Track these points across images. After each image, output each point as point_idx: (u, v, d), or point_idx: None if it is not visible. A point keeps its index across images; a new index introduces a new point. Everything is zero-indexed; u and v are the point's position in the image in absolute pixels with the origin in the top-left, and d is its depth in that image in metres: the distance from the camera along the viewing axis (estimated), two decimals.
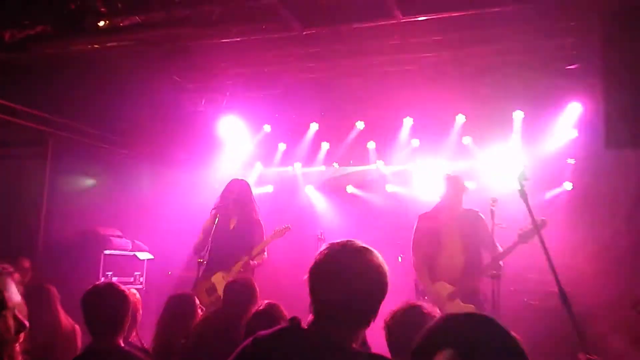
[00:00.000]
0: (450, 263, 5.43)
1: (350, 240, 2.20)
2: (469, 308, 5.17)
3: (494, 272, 5.01)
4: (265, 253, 6.11)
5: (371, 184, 9.72)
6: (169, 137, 8.88)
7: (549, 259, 3.01)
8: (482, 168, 8.44)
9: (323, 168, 9.80)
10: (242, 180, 6.38)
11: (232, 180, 6.32)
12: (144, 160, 9.01)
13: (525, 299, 7.21)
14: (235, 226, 6.08)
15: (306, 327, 2.12)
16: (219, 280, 5.76)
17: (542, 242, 3.12)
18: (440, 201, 5.67)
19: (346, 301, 2.07)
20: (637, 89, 4.52)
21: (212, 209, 6.10)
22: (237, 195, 6.12)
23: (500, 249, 5.23)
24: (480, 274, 5.32)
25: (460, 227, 5.50)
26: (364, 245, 2.20)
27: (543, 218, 4.94)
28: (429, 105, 8.15)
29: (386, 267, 2.19)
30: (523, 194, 3.27)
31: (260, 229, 6.12)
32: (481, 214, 5.57)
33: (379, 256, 2.20)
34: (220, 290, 5.54)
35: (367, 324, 2.15)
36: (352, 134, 9.09)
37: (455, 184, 5.61)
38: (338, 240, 2.21)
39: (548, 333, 6.20)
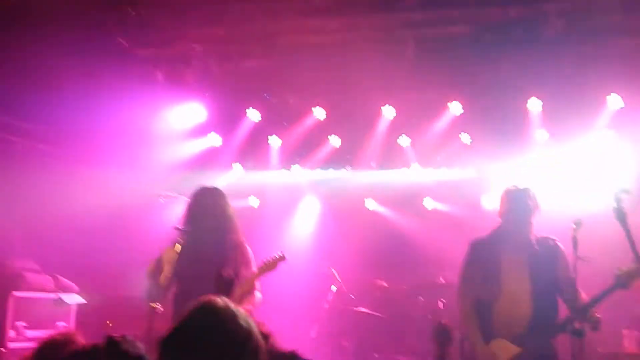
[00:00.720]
0: (512, 312, 5.38)
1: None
2: None
3: (577, 327, 4.99)
4: (259, 292, 6.08)
5: (402, 198, 9.80)
6: (108, 126, 8.89)
7: None
8: (562, 176, 8.49)
9: (332, 172, 9.89)
10: (214, 188, 6.33)
11: (200, 190, 6.25)
12: (72, 159, 9.02)
13: None
14: (208, 255, 5.98)
15: None
16: None
17: None
18: (502, 224, 5.66)
19: None
20: None
21: (174, 230, 6.07)
22: (209, 211, 6.13)
23: (583, 296, 5.19)
24: (556, 330, 5.29)
25: (529, 261, 5.47)
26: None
27: None
28: (486, 84, 8.23)
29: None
30: (621, 215, 3.21)
31: (247, 255, 6.11)
32: (560, 244, 5.53)
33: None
34: None
35: None
36: (379, 126, 9.14)
37: (522, 200, 5.55)
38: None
39: None
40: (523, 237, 5.54)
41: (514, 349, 5.29)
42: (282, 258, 6.03)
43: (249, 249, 6.14)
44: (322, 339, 8.62)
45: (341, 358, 8.62)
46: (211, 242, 5.98)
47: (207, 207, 6.07)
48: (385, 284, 9.28)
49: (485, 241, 5.72)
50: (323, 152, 9.71)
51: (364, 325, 8.87)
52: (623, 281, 4.95)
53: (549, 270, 5.42)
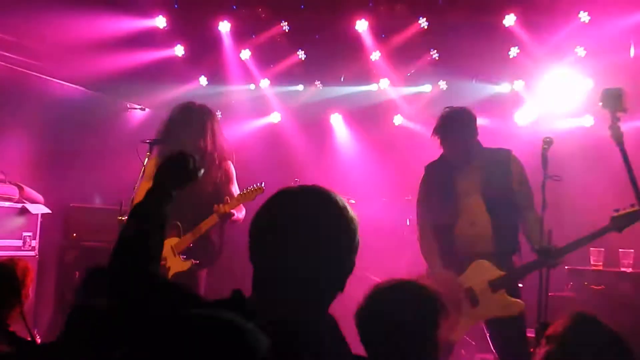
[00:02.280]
0: (473, 233, 5.30)
1: (308, 186, 2.34)
2: (519, 305, 5.14)
3: (544, 245, 4.81)
4: (243, 211, 6.06)
5: (370, 113, 9.80)
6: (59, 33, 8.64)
7: None
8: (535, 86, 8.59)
9: (300, 88, 9.82)
10: (199, 105, 6.26)
11: (183, 106, 6.21)
12: (24, 66, 8.86)
13: (586, 283, 7.41)
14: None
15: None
16: (169, 248, 5.79)
17: None
18: (449, 145, 5.46)
19: (295, 262, 2.19)
20: None
21: (150, 144, 5.93)
22: (193, 126, 6.04)
23: (537, 216, 5.06)
24: (528, 271, 5.17)
25: (482, 180, 5.37)
26: (322, 189, 2.32)
27: None
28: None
29: (351, 215, 2.30)
30: (618, 136, 2.98)
31: (229, 173, 6.17)
32: (513, 155, 5.46)
33: (340, 200, 2.31)
34: (170, 262, 5.73)
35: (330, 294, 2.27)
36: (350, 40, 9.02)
37: (459, 123, 5.39)
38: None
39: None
40: (471, 157, 5.41)
41: (497, 272, 5.16)
42: (261, 190, 5.91)
43: (232, 166, 6.17)
44: None
45: None
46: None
47: (190, 123, 6.04)
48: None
49: (439, 164, 5.61)
50: (291, 66, 9.60)
51: None
52: (619, 224, 4.87)
53: (504, 187, 5.30)
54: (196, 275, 5.88)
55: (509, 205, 5.30)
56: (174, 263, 5.76)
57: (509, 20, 8.33)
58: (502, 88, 9.17)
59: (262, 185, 5.89)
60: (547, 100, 8.76)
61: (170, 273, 5.72)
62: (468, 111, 5.44)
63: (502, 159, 5.42)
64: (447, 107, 5.51)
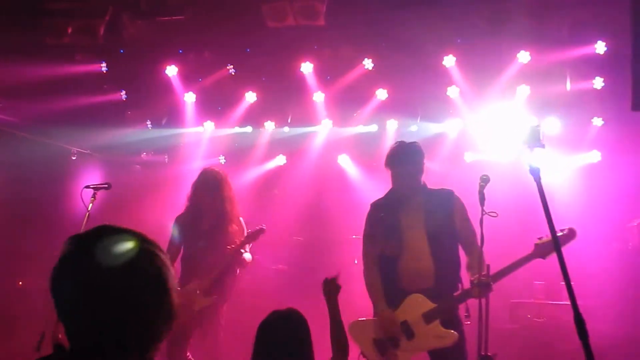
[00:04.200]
0: (416, 268, 5.48)
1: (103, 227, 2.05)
2: (452, 336, 5.26)
3: (484, 281, 4.95)
4: (248, 254, 6.93)
5: (314, 153, 9.99)
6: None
7: (567, 283, 2.79)
8: (471, 129, 8.79)
9: (249, 129, 10.10)
10: (216, 171, 7.16)
11: (205, 171, 7.16)
12: None
13: (529, 315, 7.56)
14: (209, 226, 6.95)
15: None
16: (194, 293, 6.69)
17: (561, 260, 2.85)
18: (393, 185, 5.74)
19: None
20: None
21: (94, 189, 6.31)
22: (214, 190, 6.96)
23: (479, 250, 5.10)
24: (461, 300, 5.35)
25: (425, 217, 5.57)
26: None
27: (572, 228, 5.19)
28: (407, 41, 8.32)
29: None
30: (535, 172, 2.99)
31: (242, 227, 7.01)
32: (455, 195, 5.70)
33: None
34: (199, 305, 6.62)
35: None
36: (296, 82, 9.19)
37: (408, 158, 5.62)
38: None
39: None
40: (416, 193, 5.64)
41: (430, 304, 5.34)
42: (263, 231, 6.85)
43: (242, 221, 7.08)
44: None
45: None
46: (213, 214, 6.98)
47: (212, 187, 6.99)
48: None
49: (384, 201, 5.86)
50: (239, 108, 9.72)
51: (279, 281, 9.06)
52: (542, 251, 5.17)
53: (446, 224, 5.52)
54: (217, 308, 6.80)
55: (451, 241, 5.54)
56: (199, 300, 6.65)
57: (448, 61, 8.50)
58: (445, 126, 9.35)
59: (264, 226, 6.84)
60: (492, 137, 8.98)
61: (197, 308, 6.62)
62: (417, 146, 5.68)
63: (445, 197, 5.67)
64: (399, 141, 5.78)
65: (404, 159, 5.58)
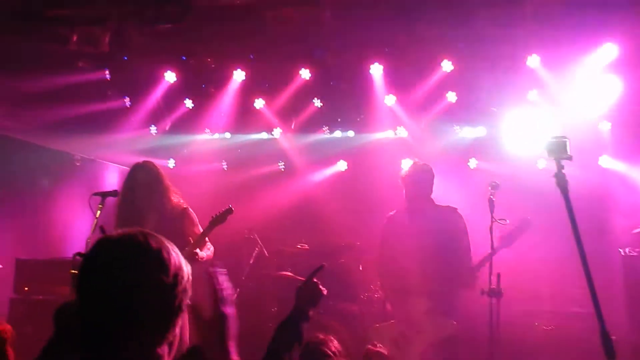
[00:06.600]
0: (424, 273, 6.01)
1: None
2: (451, 325, 5.97)
3: (493, 287, 5.47)
4: (210, 247, 6.51)
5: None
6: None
7: (592, 289, 2.84)
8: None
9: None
10: (144, 164, 6.61)
11: (135, 167, 6.57)
12: None
13: (537, 323, 7.54)
14: (155, 223, 6.25)
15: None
16: None
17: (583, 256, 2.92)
18: (407, 200, 6.45)
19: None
20: None
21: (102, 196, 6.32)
22: (149, 185, 6.43)
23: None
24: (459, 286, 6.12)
25: (435, 230, 6.18)
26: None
27: (528, 217, 5.92)
28: (403, 45, 8.34)
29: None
30: (563, 184, 3.02)
31: (193, 219, 6.56)
32: (459, 213, 6.37)
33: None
34: None
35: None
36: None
37: (421, 176, 6.36)
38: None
39: None
40: (426, 208, 6.39)
41: (427, 304, 6.03)
42: (230, 211, 6.44)
43: (191, 212, 6.59)
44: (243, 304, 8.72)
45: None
46: (154, 211, 6.40)
47: (141, 184, 6.42)
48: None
49: (398, 214, 6.64)
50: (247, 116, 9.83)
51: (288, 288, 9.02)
52: (508, 240, 5.96)
53: (449, 237, 6.21)
54: None
55: (453, 251, 6.19)
56: None
57: (376, 69, 8.65)
58: (387, 134, 9.85)
59: (230, 206, 6.45)
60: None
61: None
62: (428, 168, 6.48)
63: (450, 213, 6.42)
64: (414, 162, 6.60)
65: (416, 178, 6.38)
